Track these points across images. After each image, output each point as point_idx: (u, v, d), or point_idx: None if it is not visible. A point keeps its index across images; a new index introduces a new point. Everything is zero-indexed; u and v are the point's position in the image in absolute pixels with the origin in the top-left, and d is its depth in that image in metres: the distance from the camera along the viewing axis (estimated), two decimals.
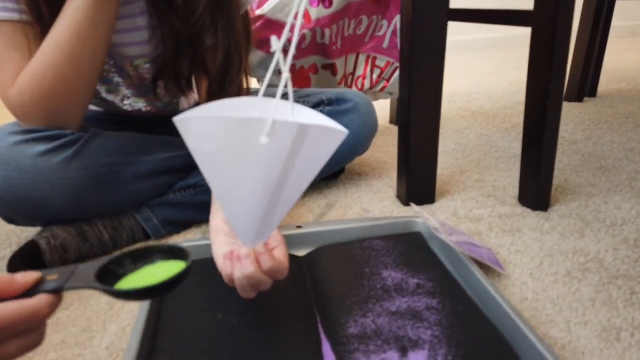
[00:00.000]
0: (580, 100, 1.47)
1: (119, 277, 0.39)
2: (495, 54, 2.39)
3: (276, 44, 0.34)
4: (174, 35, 0.71)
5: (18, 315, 0.33)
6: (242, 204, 0.43)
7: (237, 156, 0.39)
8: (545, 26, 0.70)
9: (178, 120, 0.37)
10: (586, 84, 1.48)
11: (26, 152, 0.64)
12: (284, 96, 0.39)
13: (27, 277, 0.35)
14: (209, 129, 0.38)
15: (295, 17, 0.36)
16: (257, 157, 0.39)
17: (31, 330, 0.35)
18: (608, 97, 1.51)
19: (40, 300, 0.35)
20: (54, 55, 0.62)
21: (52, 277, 0.37)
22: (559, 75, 0.71)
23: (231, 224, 0.46)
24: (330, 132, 0.40)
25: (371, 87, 1.22)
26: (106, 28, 0.64)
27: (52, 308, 0.35)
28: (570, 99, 1.48)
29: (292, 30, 1.14)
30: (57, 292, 0.36)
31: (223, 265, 0.50)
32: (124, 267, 0.40)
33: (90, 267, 0.38)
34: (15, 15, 0.63)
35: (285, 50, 1.15)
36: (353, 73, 1.19)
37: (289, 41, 1.09)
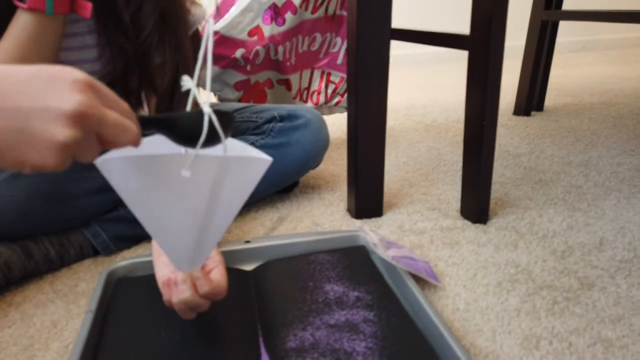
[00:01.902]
0: (528, 114, 1.54)
1: None
2: (458, 68, 2.46)
3: (188, 82, 0.37)
4: (122, 54, 0.72)
5: (111, 93, 0.36)
6: (173, 235, 0.45)
7: (162, 191, 0.41)
8: (480, 51, 0.75)
9: (99, 162, 0.39)
10: (533, 99, 1.55)
11: None
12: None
13: None
14: (131, 168, 0.40)
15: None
16: (181, 191, 0.41)
17: (126, 114, 0.37)
18: (554, 111, 1.58)
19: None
20: None
21: None
22: (493, 98, 0.76)
23: (165, 254, 0.47)
24: (253, 161, 0.43)
25: (326, 102, 1.25)
26: (53, 48, 0.65)
27: (134, 120, 0.37)
28: (518, 113, 1.55)
29: (244, 46, 1.15)
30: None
31: (162, 290, 0.51)
32: None
33: None
34: None
35: (239, 67, 1.16)
36: (308, 88, 1.22)
37: (243, 57, 1.10)
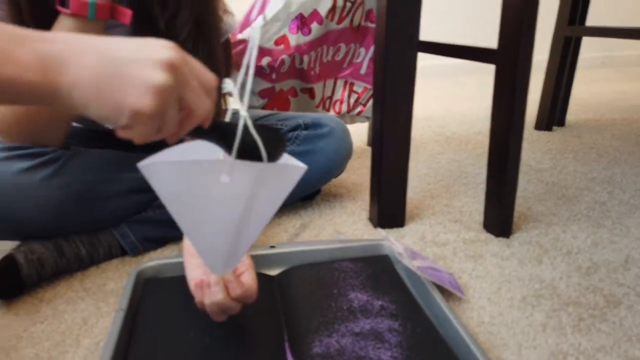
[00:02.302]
0: (549, 129, 1.54)
1: None
2: (474, 80, 2.47)
3: (230, 85, 0.38)
4: None
5: (198, 64, 0.40)
6: (209, 238, 0.46)
7: (202, 196, 0.42)
8: (508, 66, 0.75)
9: (142, 166, 0.40)
10: (555, 114, 1.55)
11: (8, 168, 0.66)
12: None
13: None
14: (172, 172, 0.41)
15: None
16: (220, 196, 0.42)
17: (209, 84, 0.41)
18: (576, 126, 1.58)
19: None
20: None
21: None
22: (520, 112, 0.76)
23: (200, 256, 0.48)
24: (289, 169, 0.44)
25: (349, 111, 1.26)
26: None
27: (214, 93, 0.41)
28: (540, 127, 1.54)
29: (270, 54, 1.17)
30: None
31: (195, 291, 0.52)
32: None
33: None
34: None
35: (264, 75, 1.18)
36: (331, 97, 1.23)
37: (268, 65, 1.12)
